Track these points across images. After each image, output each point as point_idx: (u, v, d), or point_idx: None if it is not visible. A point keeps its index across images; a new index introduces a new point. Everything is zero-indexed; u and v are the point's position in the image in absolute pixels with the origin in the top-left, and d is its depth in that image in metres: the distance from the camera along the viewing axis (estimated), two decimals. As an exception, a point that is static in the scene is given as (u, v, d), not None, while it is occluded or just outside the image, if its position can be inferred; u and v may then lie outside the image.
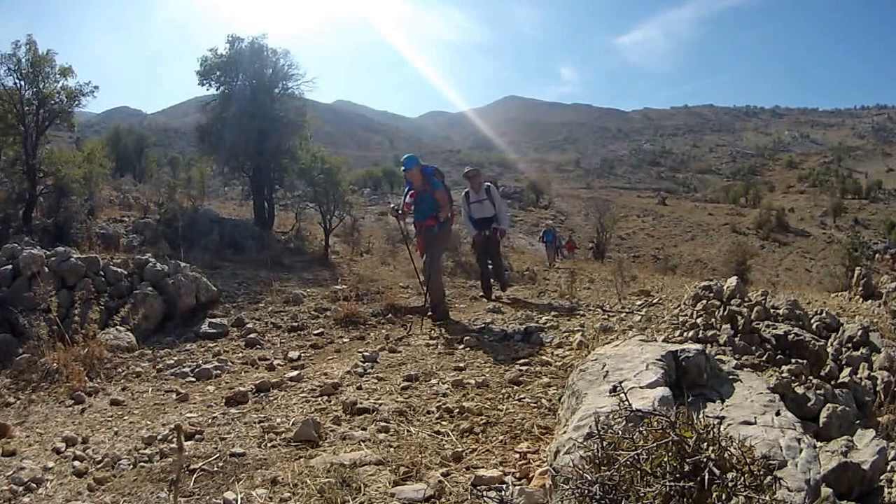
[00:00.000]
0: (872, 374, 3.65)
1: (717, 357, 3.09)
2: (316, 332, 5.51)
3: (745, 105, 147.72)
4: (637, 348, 2.66)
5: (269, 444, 2.88)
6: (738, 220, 40.43)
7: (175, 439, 2.84)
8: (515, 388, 3.54)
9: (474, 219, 7.33)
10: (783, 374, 3.28)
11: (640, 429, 1.55)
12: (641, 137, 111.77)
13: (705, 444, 1.42)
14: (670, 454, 1.42)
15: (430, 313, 5.78)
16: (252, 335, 5.30)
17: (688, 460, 1.39)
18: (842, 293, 7.92)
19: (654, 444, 1.44)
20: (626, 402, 1.74)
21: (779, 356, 3.71)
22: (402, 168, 5.80)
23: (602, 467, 1.51)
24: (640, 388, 2.24)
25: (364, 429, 2.98)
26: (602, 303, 6.63)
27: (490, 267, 7.43)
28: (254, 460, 2.69)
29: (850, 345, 4.07)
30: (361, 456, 2.58)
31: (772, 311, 4.23)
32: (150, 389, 4.00)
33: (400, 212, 6.09)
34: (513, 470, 2.44)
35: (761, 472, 1.39)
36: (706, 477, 1.35)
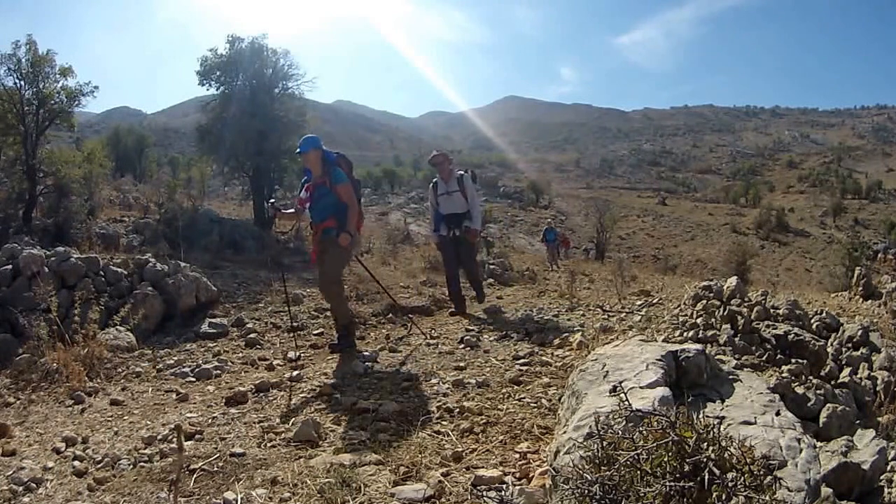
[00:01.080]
0: (872, 374, 3.65)
1: (717, 357, 3.08)
2: (316, 332, 5.51)
3: (745, 105, 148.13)
4: (637, 348, 2.66)
5: (269, 444, 2.88)
6: (738, 220, 40.47)
7: (175, 439, 2.84)
8: (515, 387, 3.54)
9: (443, 215, 6.12)
10: (783, 374, 3.28)
11: (640, 429, 1.55)
12: (641, 137, 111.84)
13: (705, 444, 1.42)
14: (670, 454, 1.42)
15: (337, 343, 4.71)
16: (252, 335, 5.30)
17: (688, 460, 1.39)
18: (842, 293, 7.92)
19: (654, 444, 1.44)
20: (626, 402, 1.74)
21: (779, 356, 3.71)
22: (297, 151, 4.64)
23: (602, 467, 1.51)
24: (640, 388, 2.23)
25: (364, 429, 2.98)
26: (602, 303, 6.63)
27: (463, 272, 6.27)
28: (254, 460, 2.69)
29: (850, 345, 4.07)
30: (361, 456, 2.58)
31: (772, 311, 4.23)
32: (150, 389, 3.99)
33: (285, 209, 4.84)
34: (513, 470, 2.44)
35: (761, 472, 1.39)
36: (706, 477, 1.34)
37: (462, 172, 6.16)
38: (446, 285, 6.41)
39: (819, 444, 2.10)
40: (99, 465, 2.76)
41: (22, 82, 8.95)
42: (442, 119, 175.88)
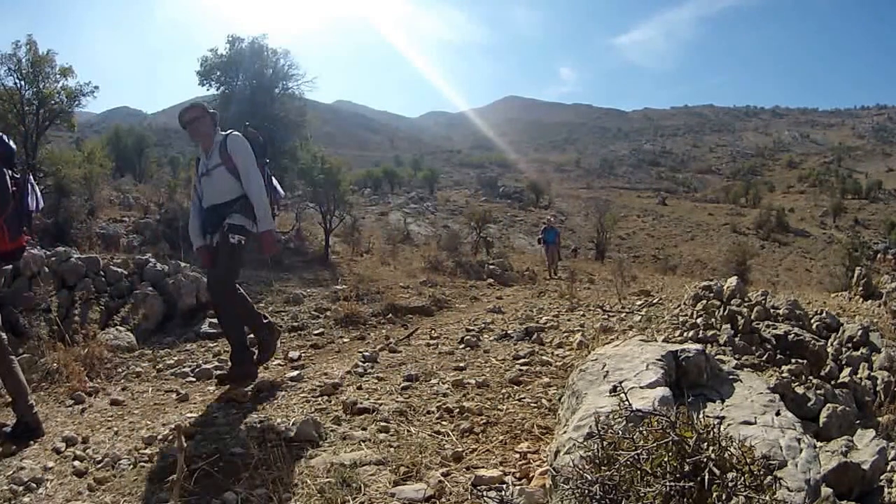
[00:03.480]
0: (872, 374, 3.65)
1: (717, 357, 3.09)
2: (316, 332, 5.51)
3: (745, 105, 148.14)
4: (637, 348, 2.66)
5: (269, 444, 2.88)
6: (738, 220, 40.45)
7: (175, 439, 2.84)
8: (516, 387, 3.54)
9: (203, 209, 3.75)
10: (783, 374, 3.28)
11: (641, 429, 1.55)
12: (641, 137, 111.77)
13: (705, 444, 1.42)
14: (670, 454, 1.42)
15: None
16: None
17: (688, 460, 1.39)
18: (842, 293, 7.93)
19: (655, 444, 1.44)
20: (627, 402, 1.74)
21: (779, 356, 3.71)
22: None
23: (602, 467, 1.51)
24: (640, 388, 2.24)
25: (364, 429, 2.98)
26: (602, 303, 6.63)
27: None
28: (254, 460, 2.69)
29: (850, 345, 4.07)
30: (361, 456, 2.58)
31: (772, 311, 4.23)
32: (150, 389, 3.99)
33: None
34: (513, 470, 2.44)
35: (761, 472, 1.39)
36: (706, 477, 1.35)
37: (228, 134, 3.62)
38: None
39: (819, 444, 2.10)
40: (99, 465, 2.76)
41: (22, 82, 8.96)
42: (442, 119, 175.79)
